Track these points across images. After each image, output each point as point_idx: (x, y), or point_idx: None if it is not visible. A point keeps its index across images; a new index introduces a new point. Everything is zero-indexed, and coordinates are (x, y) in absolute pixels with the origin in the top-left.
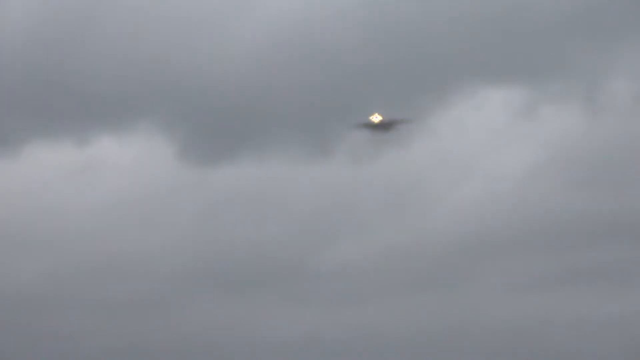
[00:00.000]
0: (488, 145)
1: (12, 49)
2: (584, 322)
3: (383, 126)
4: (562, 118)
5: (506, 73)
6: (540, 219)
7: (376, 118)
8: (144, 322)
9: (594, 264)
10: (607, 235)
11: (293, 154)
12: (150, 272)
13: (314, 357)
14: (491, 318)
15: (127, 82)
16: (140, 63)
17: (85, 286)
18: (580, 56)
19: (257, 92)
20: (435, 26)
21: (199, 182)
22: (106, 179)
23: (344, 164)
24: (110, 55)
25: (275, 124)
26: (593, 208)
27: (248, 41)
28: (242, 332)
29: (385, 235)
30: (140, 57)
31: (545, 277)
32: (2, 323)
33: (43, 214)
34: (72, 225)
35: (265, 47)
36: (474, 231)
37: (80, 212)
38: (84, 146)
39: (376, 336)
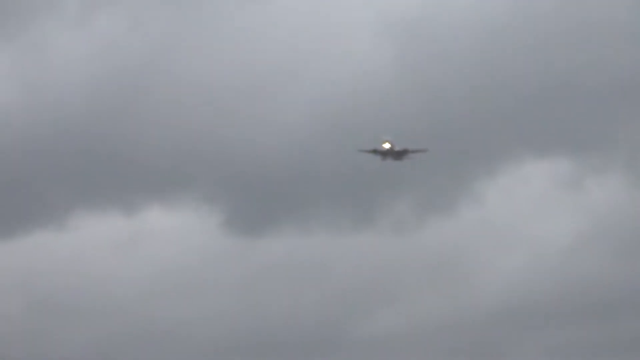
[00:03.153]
0: (533, 215)
1: (59, 121)
2: None
3: (393, 154)
4: (606, 189)
5: (551, 144)
6: (585, 289)
7: (386, 145)
8: None
9: (638, 335)
10: None
11: (337, 224)
12: (193, 339)
13: None
14: None
15: (173, 152)
16: (186, 133)
17: (132, 353)
18: (623, 128)
19: (301, 162)
20: (483, 98)
21: (244, 252)
22: (152, 248)
23: (387, 233)
24: (157, 126)
25: (319, 193)
26: (637, 278)
27: (293, 112)
28: None
29: (427, 304)
30: (186, 128)
31: (589, 348)
32: None
33: (89, 283)
34: (117, 294)
35: (309, 117)
36: (517, 301)
37: (126, 280)
38: (130, 216)
39: None
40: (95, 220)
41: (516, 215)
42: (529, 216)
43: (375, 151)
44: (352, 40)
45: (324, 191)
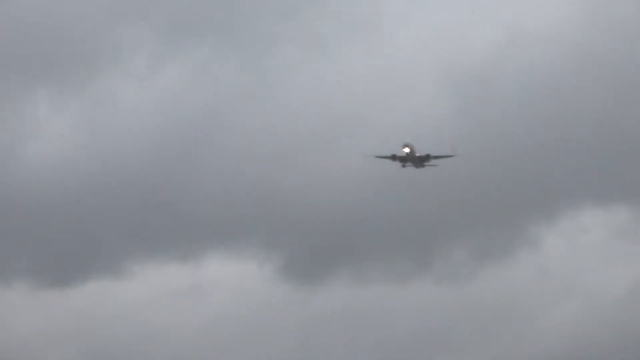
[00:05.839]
0: (590, 263)
1: (123, 170)
2: None
3: (414, 160)
4: None
5: (609, 194)
6: None
7: (405, 149)
8: None
9: None
10: None
11: (392, 272)
12: None
13: None
14: None
15: (231, 200)
16: (245, 182)
17: None
18: None
19: (359, 211)
20: (544, 147)
21: (301, 300)
22: (210, 296)
23: (443, 282)
24: (217, 174)
25: (376, 241)
26: None
27: (353, 160)
28: None
29: (483, 352)
30: (245, 176)
31: None
32: None
33: (147, 330)
34: (175, 341)
35: (368, 166)
36: (573, 348)
37: (184, 327)
38: (188, 264)
39: None
40: (154, 268)
41: (574, 263)
42: (586, 264)
43: (394, 157)
44: (414, 92)
45: (381, 239)
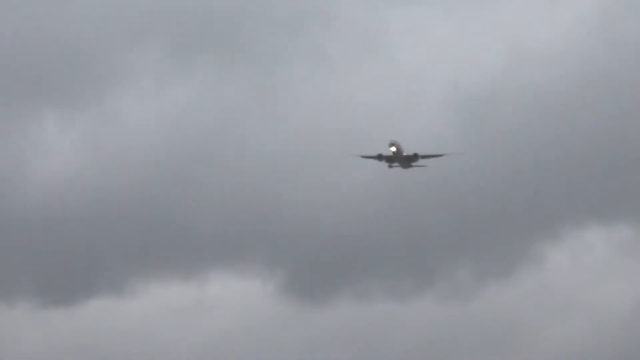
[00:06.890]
0: (594, 281)
1: (127, 188)
2: None
3: (401, 159)
4: None
5: (613, 212)
6: None
7: (392, 148)
8: None
9: None
10: None
11: (393, 290)
12: None
13: None
14: None
15: (235, 219)
16: (249, 199)
17: None
18: None
19: (358, 229)
20: (548, 167)
21: (304, 318)
22: (213, 314)
23: (445, 298)
24: (220, 192)
25: (376, 260)
26: None
27: (357, 177)
28: None
29: None
30: (249, 193)
31: None
32: None
33: (151, 349)
34: None
35: (373, 183)
36: None
37: (188, 347)
38: (191, 282)
39: None
40: (158, 286)
41: (577, 281)
42: (589, 280)
43: (380, 156)
44: (420, 110)
45: (385, 256)
